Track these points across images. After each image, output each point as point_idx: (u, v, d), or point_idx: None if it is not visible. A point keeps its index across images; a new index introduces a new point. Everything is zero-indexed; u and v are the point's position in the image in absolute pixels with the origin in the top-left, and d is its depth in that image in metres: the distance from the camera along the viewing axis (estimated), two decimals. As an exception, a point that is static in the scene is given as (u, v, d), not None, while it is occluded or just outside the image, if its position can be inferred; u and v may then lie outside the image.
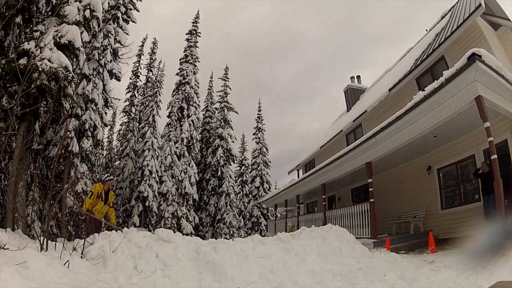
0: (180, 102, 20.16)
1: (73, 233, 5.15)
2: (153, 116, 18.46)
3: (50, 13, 7.11)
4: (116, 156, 20.65)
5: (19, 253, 2.69)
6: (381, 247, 6.11)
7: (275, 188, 26.64)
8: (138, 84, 21.27)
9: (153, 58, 21.92)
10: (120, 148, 19.96)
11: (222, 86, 24.17)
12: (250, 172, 26.86)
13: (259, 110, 27.89)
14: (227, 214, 20.87)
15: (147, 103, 19.91)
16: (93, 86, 10.29)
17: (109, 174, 7.55)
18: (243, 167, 27.47)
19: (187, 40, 21.57)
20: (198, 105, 21.81)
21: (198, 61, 21.61)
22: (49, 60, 6.16)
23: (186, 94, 20.42)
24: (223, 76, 24.49)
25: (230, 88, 24.13)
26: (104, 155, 19.68)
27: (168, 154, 18.16)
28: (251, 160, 27.28)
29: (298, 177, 16.41)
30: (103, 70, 10.79)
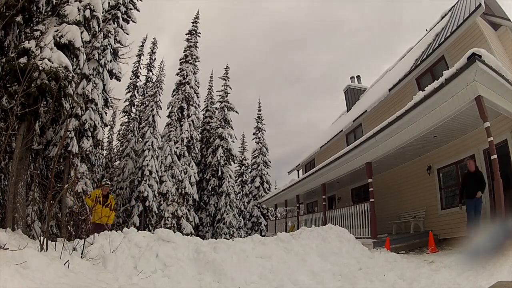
0: (180, 102, 20.16)
1: (73, 233, 5.16)
2: (153, 116, 18.46)
3: (50, 13, 7.12)
4: (116, 156, 20.64)
5: (19, 253, 2.69)
6: (381, 247, 6.11)
7: (275, 188, 26.64)
8: (138, 84, 21.26)
9: (153, 58, 21.90)
10: (120, 148, 19.95)
11: (222, 86, 24.17)
12: (250, 172, 26.87)
13: (259, 110, 27.91)
14: (227, 214, 20.87)
15: (147, 103, 19.90)
16: (93, 86, 10.29)
17: (105, 179, 7.70)
18: (243, 167, 27.47)
19: (187, 40, 21.57)
20: (198, 105, 21.82)
21: (198, 61, 21.62)
22: (49, 60, 6.15)
23: (186, 94, 20.42)
24: (223, 76, 24.50)
25: (230, 88, 24.14)
26: (104, 155, 19.66)
27: (168, 154, 18.16)
28: (251, 160, 27.28)
29: (298, 177, 16.41)
30: (103, 70, 10.79)
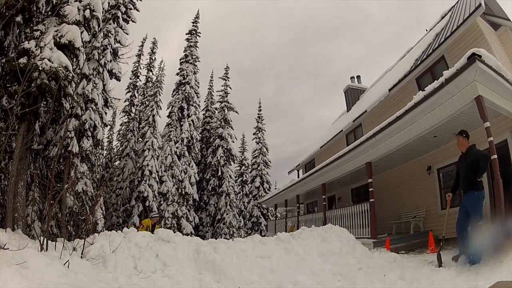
0: (180, 102, 20.16)
1: (73, 233, 5.15)
2: (153, 116, 18.48)
3: (50, 13, 7.12)
4: (116, 156, 20.65)
5: (19, 253, 2.69)
6: (381, 247, 6.11)
7: (275, 188, 26.64)
8: (138, 84, 21.28)
9: (153, 58, 21.94)
10: (120, 148, 19.97)
11: (222, 86, 24.18)
12: (250, 172, 26.87)
13: (259, 110, 27.91)
14: (227, 214, 20.87)
15: (147, 103, 19.91)
16: (93, 86, 10.28)
17: (155, 212, 8.10)
18: (243, 167, 27.47)
19: (187, 40, 21.58)
20: (198, 105, 21.83)
21: (198, 61, 21.63)
22: (49, 60, 6.16)
23: (186, 94, 20.43)
24: (223, 76, 24.51)
25: (230, 88, 24.15)
26: (104, 155, 19.67)
27: (168, 154, 18.16)
28: (251, 160, 27.28)
29: (298, 177, 16.41)
30: (103, 70, 10.79)
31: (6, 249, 2.76)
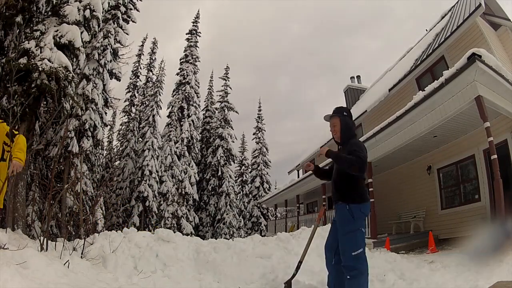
0: (180, 102, 20.17)
1: (73, 233, 5.15)
2: (153, 116, 18.48)
3: (50, 13, 7.11)
4: (116, 156, 20.65)
5: (19, 253, 2.69)
6: (381, 247, 6.11)
7: (275, 188, 26.67)
8: (138, 84, 21.28)
9: (153, 58, 21.93)
10: (120, 148, 19.96)
11: (222, 86, 24.20)
12: (250, 172, 26.87)
13: (259, 110, 27.93)
14: (227, 214, 20.88)
15: (147, 103, 19.92)
16: (93, 86, 10.29)
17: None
18: (243, 167, 27.48)
19: (187, 40, 21.60)
20: (198, 105, 21.85)
21: (198, 61, 21.66)
22: (49, 60, 6.15)
23: (186, 94, 20.44)
24: (223, 76, 24.53)
25: (230, 88, 24.17)
26: (104, 155, 19.68)
27: (168, 154, 18.17)
28: (251, 160, 27.29)
29: (298, 177, 16.41)
30: (103, 70, 10.79)
31: (6, 249, 2.76)
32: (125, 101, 20.43)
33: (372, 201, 7.00)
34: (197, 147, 21.11)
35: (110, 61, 11.03)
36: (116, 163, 19.82)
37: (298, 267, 3.17)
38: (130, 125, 19.30)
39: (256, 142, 27.15)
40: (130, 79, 20.98)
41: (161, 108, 19.55)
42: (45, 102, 7.18)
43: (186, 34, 21.67)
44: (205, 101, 24.97)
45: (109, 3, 9.12)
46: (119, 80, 11.89)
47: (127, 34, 11.64)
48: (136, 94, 21.23)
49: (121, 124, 21.26)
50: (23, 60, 5.98)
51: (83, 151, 9.48)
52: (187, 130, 19.64)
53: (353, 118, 10.93)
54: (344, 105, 16.11)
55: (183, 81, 20.78)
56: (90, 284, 2.84)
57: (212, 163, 21.80)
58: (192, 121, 20.52)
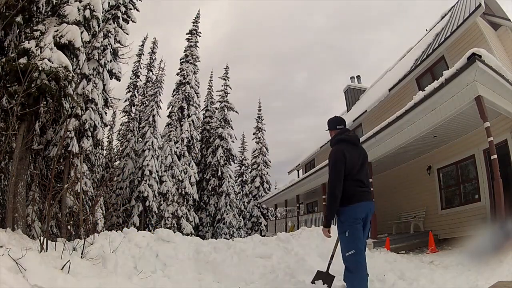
0: (180, 102, 20.17)
1: (73, 233, 5.15)
2: (153, 116, 18.48)
3: (50, 13, 7.11)
4: (116, 156, 20.65)
5: (19, 253, 2.69)
6: (381, 247, 6.11)
7: (275, 188, 26.65)
8: (138, 84, 21.28)
9: (153, 58, 21.94)
10: (120, 148, 19.96)
11: (222, 86, 24.20)
12: (250, 172, 26.86)
13: (259, 110, 27.91)
14: (227, 214, 20.88)
15: (147, 103, 19.92)
16: (93, 86, 10.28)
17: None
18: (243, 167, 27.48)
19: (188, 40, 21.58)
20: (198, 105, 21.84)
21: (198, 61, 21.65)
22: (49, 60, 6.15)
23: (186, 94, 20.44)
24: (223, 76, 24.54)
25: (230, 88, 24.19)
26: (104, 155, 19.67)
27: (168, 154, 18.16)
28: (251, 160, 27.28)
29: (298, 177, 16.41)
30: (103, 70, 10.78)
31: (7, 248, 2.76)
32: (125, 101, 20.44)
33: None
34: (197, 147, 21.10)
35: (110, 61, 11.03)
36: (116, 163, 19.82)
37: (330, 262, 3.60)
38: (130, 125, 19.30)
39: (256, 142, 27.15)
40: (130, 79, 21.01)
41: (161, 108, 19.58)
42: (45, 102, 7.18)
43: (186, 34, 21.69)
44: (205, 101, 24.99)
45: (109, 3, 9.13)
46: (119, 80, 11.87)
47: (127, 34, 11.63)
48: (136, 94, 21.23)
49: (121, 124, 21.27)
50: (23, 60, 5.98)
51: (83, 151, 9.47)
52: (187, 130, 19.64)
53: (353, 119, 10.87)
54: (345, 105, 15.78)
55: (183, 81, 20.78)
56: (90, 284, 2.84)
57: (212, 163, 21.80)
58: (192, 121, 20.52)
